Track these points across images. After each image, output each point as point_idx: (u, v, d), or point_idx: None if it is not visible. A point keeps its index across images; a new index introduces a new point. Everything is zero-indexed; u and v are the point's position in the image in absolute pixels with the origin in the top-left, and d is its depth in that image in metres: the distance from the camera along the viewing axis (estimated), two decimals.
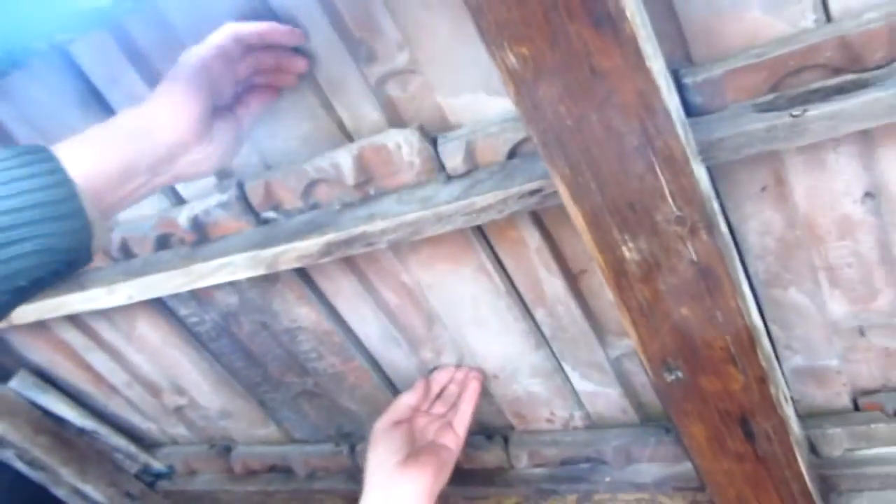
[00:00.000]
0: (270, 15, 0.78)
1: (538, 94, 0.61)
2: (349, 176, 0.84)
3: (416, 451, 0.96)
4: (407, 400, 1.03)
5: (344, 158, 0.83)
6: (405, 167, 0.82)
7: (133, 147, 0.66)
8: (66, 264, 0.61)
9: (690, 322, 0.71)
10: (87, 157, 0.63)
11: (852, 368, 0.85)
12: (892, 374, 0.84)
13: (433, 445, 0.98)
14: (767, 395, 0.74)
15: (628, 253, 0.68)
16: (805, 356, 0.85)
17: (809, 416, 0.90)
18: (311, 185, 0.88)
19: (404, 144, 0.80)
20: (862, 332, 0.81)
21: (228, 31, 0.73)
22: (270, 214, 0.94)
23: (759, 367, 0.72)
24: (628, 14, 0.55)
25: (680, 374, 0.76)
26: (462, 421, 1.01)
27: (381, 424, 1.00)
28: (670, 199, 0.63)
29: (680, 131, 0.61)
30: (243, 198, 0.94)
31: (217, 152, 0.74)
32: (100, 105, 0.92)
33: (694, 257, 0.66)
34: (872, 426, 0.86)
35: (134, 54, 0.84)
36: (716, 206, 0.67)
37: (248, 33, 0.74)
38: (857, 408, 0.88)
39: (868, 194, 0.71)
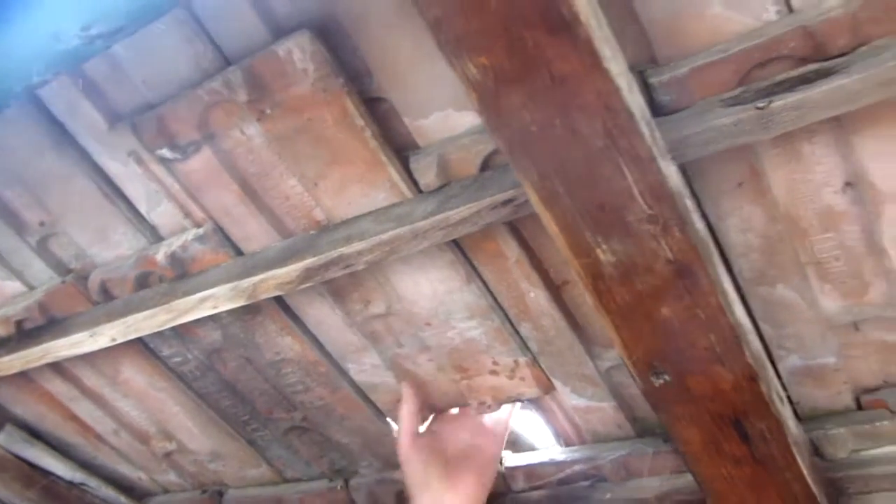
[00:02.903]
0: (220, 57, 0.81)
1: (501, 103, 0.64)
2: (241, 92, 0.82)
3: (453, 459, 1.00)
4: (408, 409, 1.03)
5: (234, 74, 0.82)
6: (299, 76, 0.80)
7: None
8: None
9: (673, 322, 0.73)
10: None
11: (851, 365, 0.87)
12: (892, 369, 0.86)
13: (470, 448, 1.01)
14: (759, 393, 0.76)
15: (603, 255, 0.70)
16: (801, 355, 0.87)
17: (812, 418, 0.92)
18: (206, 111, 0.86)
19: (295, 49, 0.78)
20: (857, 327, 0.83)
21: None
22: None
23: (746, 364, 0.74)
24: (583, 18, 0.58)
25: (667, 378, 0.77)
26: (498, 418, 1.02)
27: (403, 444, 1.00)
28: (640, 199, 0.66)
29: (644, 130, 0.63)
30: (220, 230, 0.97)
31: None
32: (73, 147, 0.97)
33: (669, 255, 0.69)
34: (877, 424, 0.88)
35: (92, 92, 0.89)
36: (689, 202, 0.69)
37: None
38: (860, 406, 0.90)
39: (848, 184, 0.73)
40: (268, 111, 0.83)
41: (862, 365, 0.86)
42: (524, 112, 0.64)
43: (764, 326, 0.86)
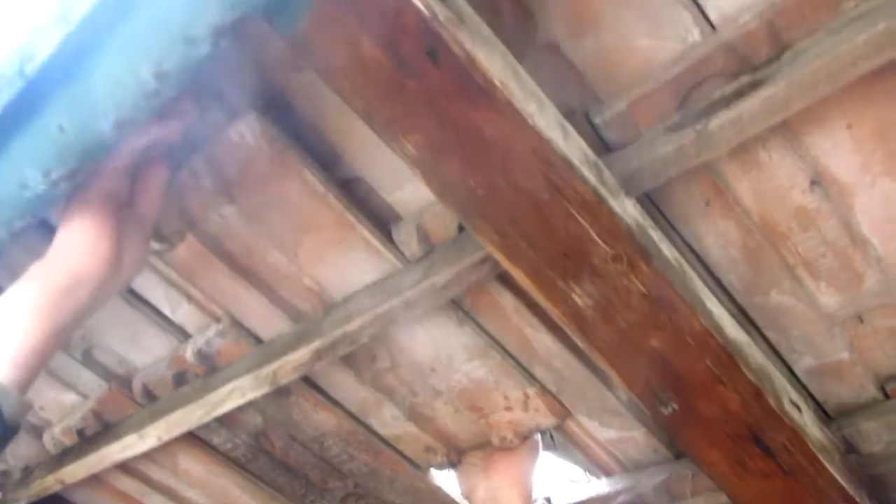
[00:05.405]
0: None
1: (443, 173, 0.64)
2: (207, 179, 0.84)
3: (493, 460, 1.09)
4: None
5: (197, 163, 0.83)
6: (255, 154, 0.80)
7: (57, 316, 0.69)
8: None
9: (664, 352, 0.72)
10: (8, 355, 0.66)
11: (866, 357, 0.83)
12: None
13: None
14: (769, 407, 0.74)
15: (579, 299, 0.70)
16: (813, 355, 0.84)
17: (841, 416, 0.88)
18: (181, 200, 0.87)
19: (246, 130, 0.79)
20: (861, 319, 0.80)
21: (121, 148, 0.69)
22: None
23: (748, 381, 0.72)
24: (497, 83, 0.58)
25: (675, 406, 0.76)
26: None
27: None
28: (599, 241, 0.65)
29: (587, 174, 0.63)
30: (237, 322, 1.00)
31: (129, 268, 0.74)
32: None
33: (643, 289, 0.68)
34: None
35: None
36: (653, 233, 0.69)
37: (139, 139, 0.71)
38: (886, 396, 0.86)
39: (814, 182, 0.71)
40: (235, 192, 0.85)
41: (877, 354, 0.83)
42: (467, 178, 0.64)
43: (770, 334, 0.83)
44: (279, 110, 0.78)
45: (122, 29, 0.57)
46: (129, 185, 0.74)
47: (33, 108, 0.64)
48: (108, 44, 0.58)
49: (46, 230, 0.98)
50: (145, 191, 0.76)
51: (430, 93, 0.59)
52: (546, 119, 0.62)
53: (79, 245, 0.70)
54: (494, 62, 0.59)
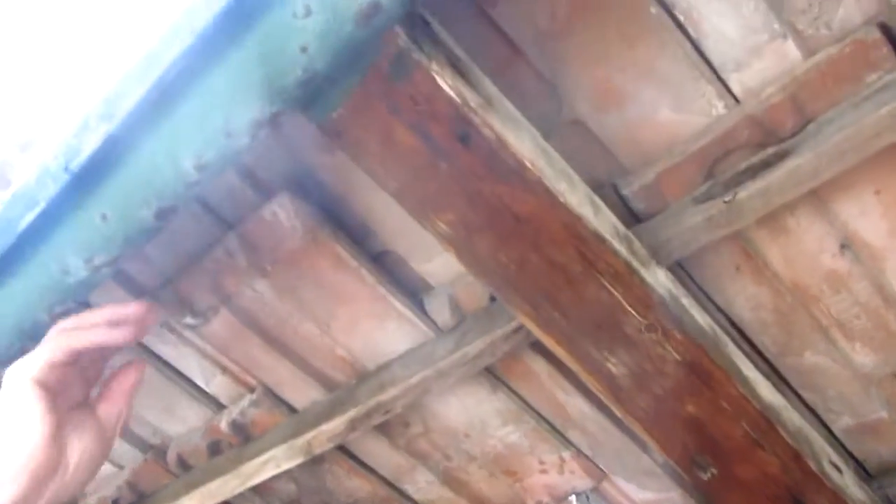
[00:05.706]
0: None
1: (476, 250, 0.65)
2: (240, 256, 0.85)
3: None
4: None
5: (231, 241, 0.84)
6: (288, 232, 0.81)
7: None
8: None
9: (701, 418, 0.72)
10: None
11: None
12: None
13: None
14: (809, 470, 0.73)
15: (614, 368, 0.70)
16: (851, 415, 0.83)
17: (882, 474, 0.87)
18: (215, 277, 0.88)
19: (279, 210, 0.80)
20: None
21: (59, 345, 0.67)
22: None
23: (786, 445, 0.72)
24: (528, 164, 0.60)
25: (714, 471, 0.75)
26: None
27: None
28: (632, 311, 0.66)
29: (619, 247, 0.64)
30: (271, 392, 1.00)
31: (78, 469, 0.68)
32: None
33: (677, 357, 0.68)
34: None
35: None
36: (685, 301, 0.69)
37: (81, 342, 0.68)
38: None
39: (844, 246, 0.72)
40: (269, 268, 0.86)
41: None
42: (499, 254, 0.65)
43: (805, 394, 0.83)
44: (311, 189, 0.80)
45: (164, 123, 0.59)
46: (80, 382, 0.71)
47: (77, 199, 0.66)
48: (151, 137, 0.60)
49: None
50: (109, 395, 0.72)
51: (461, 174, 0.61)
52: (577, 196, 0.63)
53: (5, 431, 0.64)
54: (524, 142, 0.61)
